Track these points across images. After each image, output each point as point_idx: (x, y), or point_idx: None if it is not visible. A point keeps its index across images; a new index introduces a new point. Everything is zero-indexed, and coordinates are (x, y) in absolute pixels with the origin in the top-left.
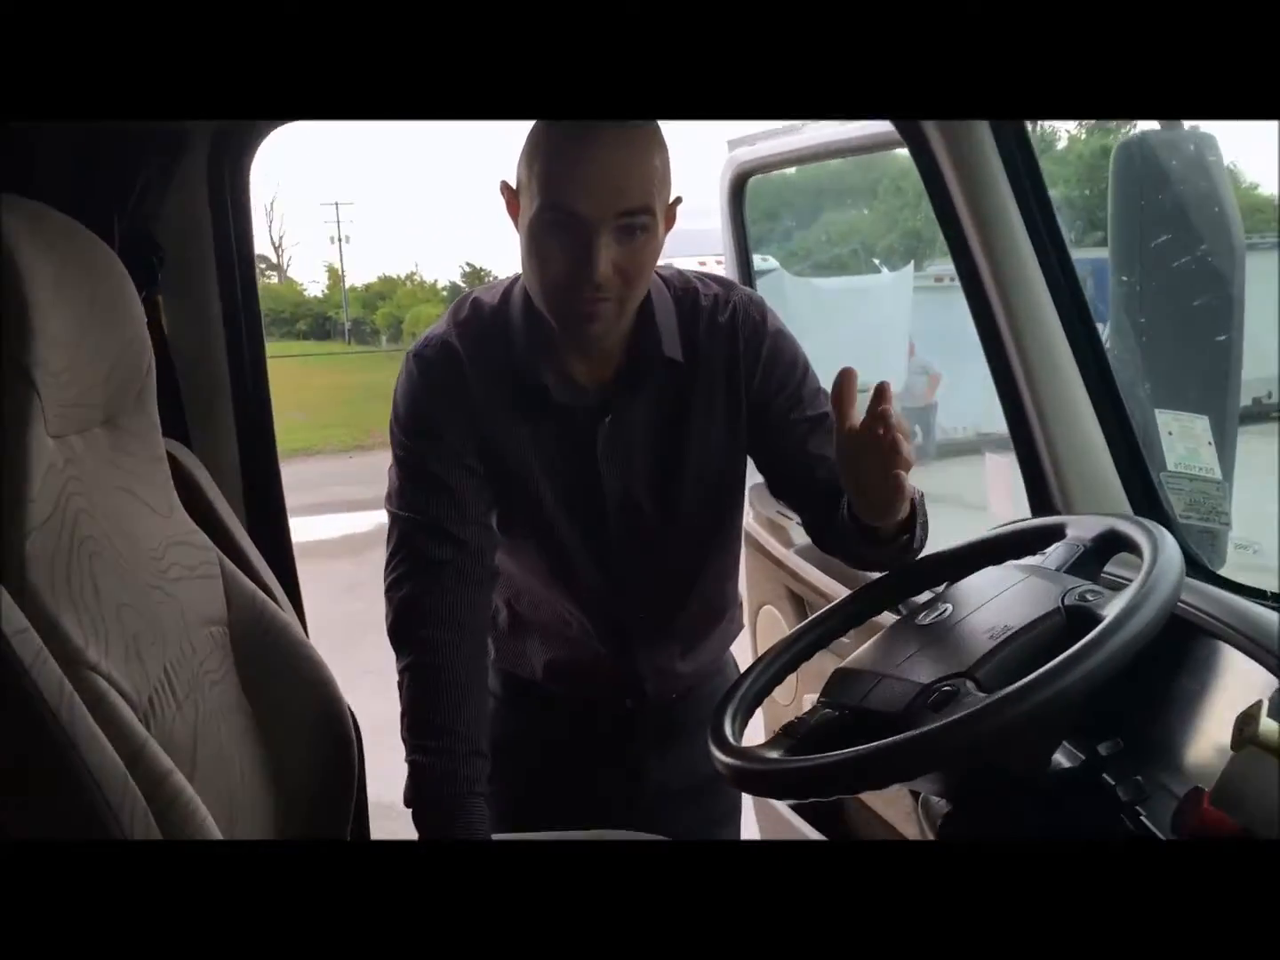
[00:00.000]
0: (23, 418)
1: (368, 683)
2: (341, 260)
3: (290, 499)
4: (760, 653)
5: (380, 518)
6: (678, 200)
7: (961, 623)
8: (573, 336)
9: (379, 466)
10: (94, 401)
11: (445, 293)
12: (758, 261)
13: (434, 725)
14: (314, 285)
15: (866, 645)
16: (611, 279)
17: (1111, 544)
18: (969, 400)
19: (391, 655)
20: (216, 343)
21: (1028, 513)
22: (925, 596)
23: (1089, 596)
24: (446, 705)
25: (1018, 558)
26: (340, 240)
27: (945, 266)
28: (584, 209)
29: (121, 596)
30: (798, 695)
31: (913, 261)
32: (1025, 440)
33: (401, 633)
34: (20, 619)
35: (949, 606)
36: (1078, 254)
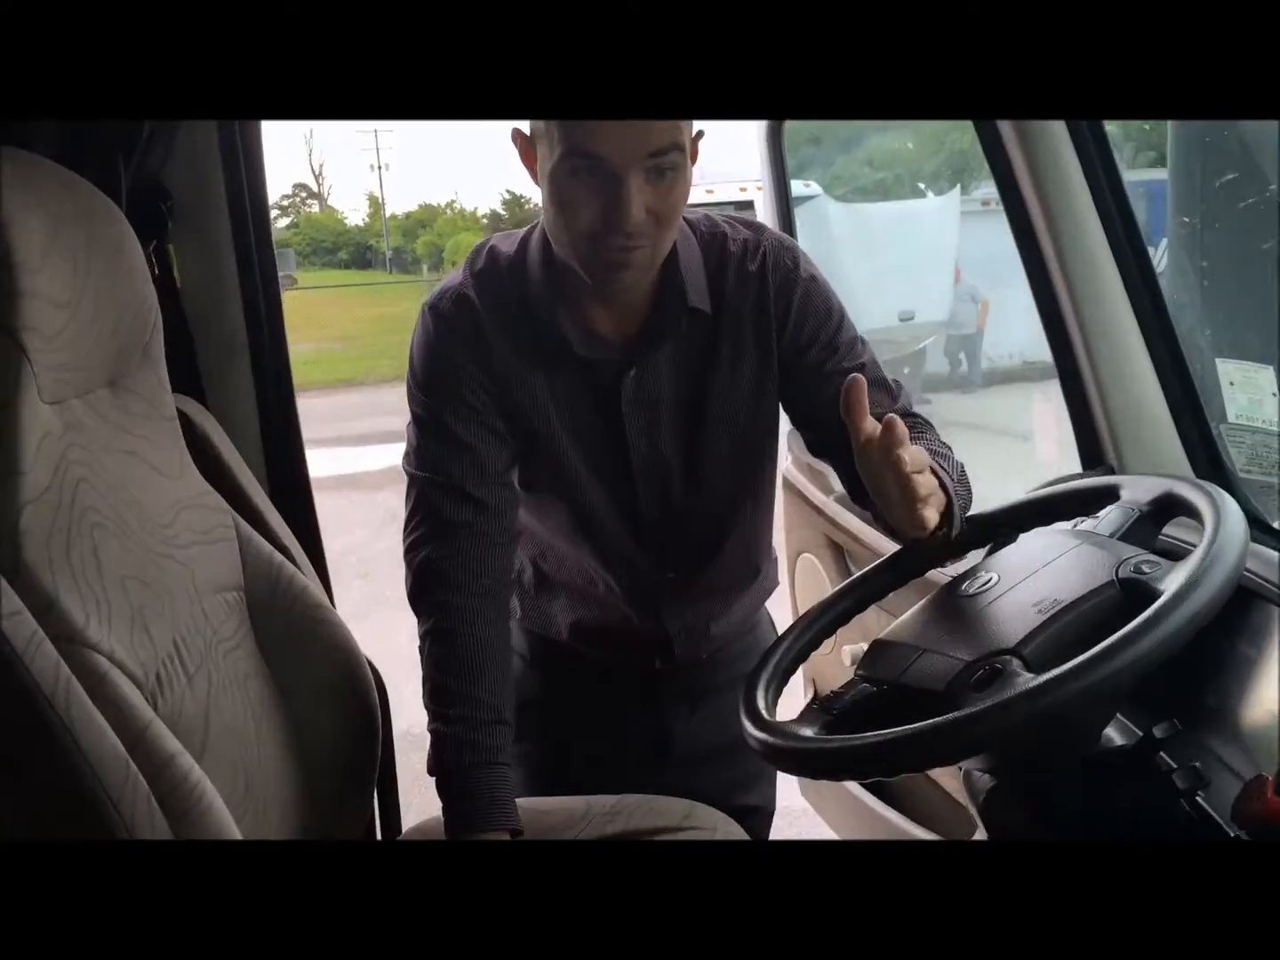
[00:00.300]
0: (12, 386)
1: (410, 617)
2: (381, 188)
3: (333, 430)
4: (798, 603)
5: None
6: (699, 134)
7: (1008, 594)
8: (604, 287)
9: None
10: (95, 363)
11: (485, 220)
12: (800, 188)
13: (454, 693)
14: (354, 214)
15: (907, 616)
16: (644, 224)
17: (1169, 508)
18: (1015, 327)
19: None
20: (231, 292)
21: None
22: (972, 559)
23: (1145, 568)
24: (467, 672)
25: (1068, 519)
26: (380, 168)
27: (993, 190)
28: (611, 152)
29: (126, 567)
30: (837, 645)
31: (959, 185)
32: (1076, 389)
33: (421, 597)
34: (13, 601)
35: (995, 576)
36: (1130, 176)
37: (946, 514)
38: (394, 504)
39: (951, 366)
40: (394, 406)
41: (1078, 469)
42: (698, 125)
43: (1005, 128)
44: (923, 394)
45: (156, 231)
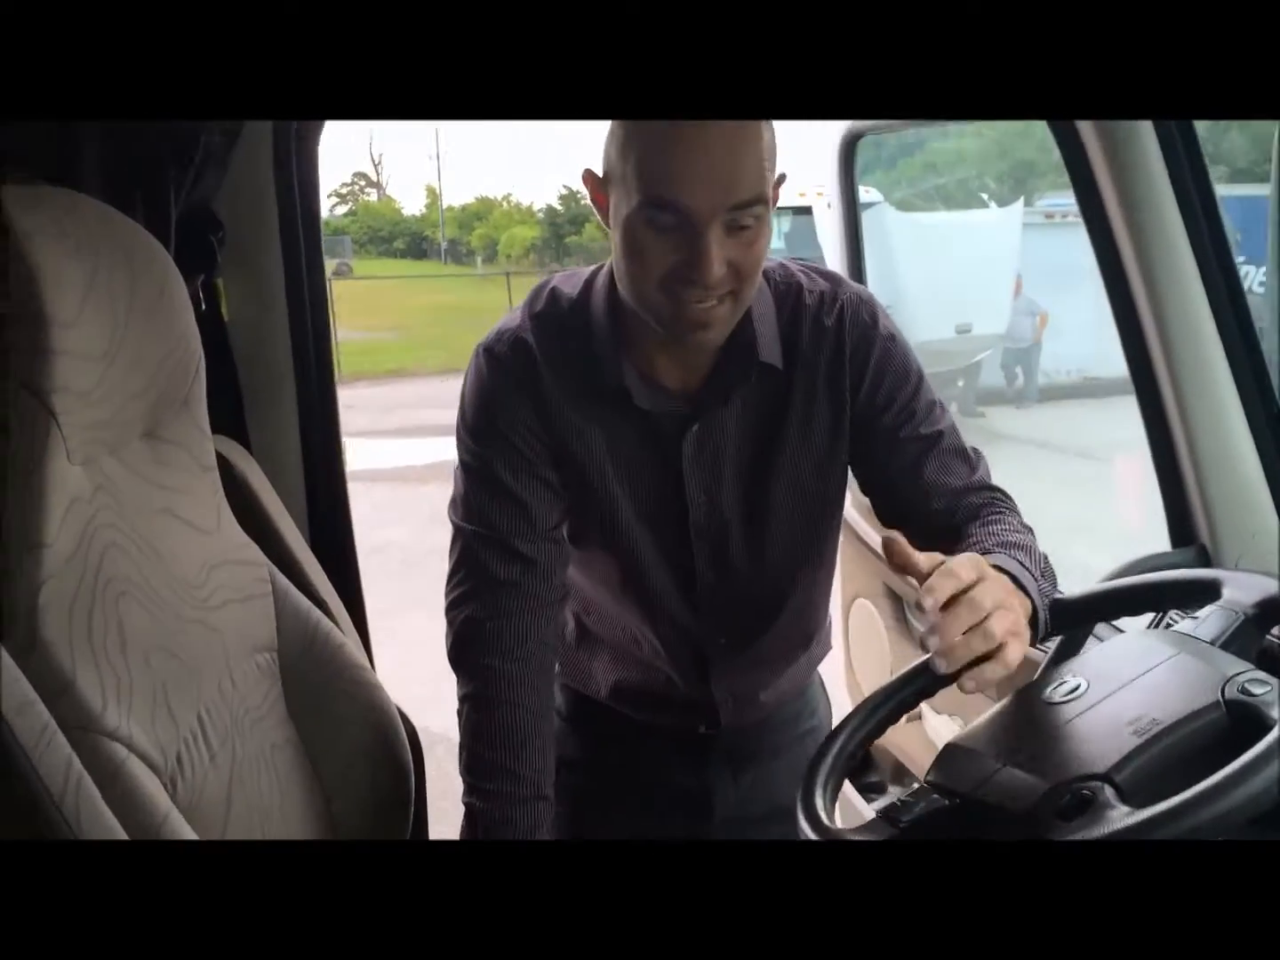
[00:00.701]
0: (39, 452)
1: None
2: (440, 179)
3: (382, 421)
4: (851, 653)
5: None
6: (781, 178)
7: (1099, 706)
8: (681, 342)
9: None
10: (131, 416)
11: (541, 215)
12: (860, 194)
13: (493, 766)
14: (412, 204)
15: (983, 720)
16: (725, 278)
17: (1276, 613)
18: (1075, 342)
19: None
20: (279, 329)
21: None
22: (1052, 642)
23: (1254, 688)
24: (506, 744)
25: (1159, 610)
26: (438, 159)
27: (1056, 202)
28: (692, 204)
29: (153, 638)
30: None
31: (1022, 198)
32: (1169, 463)
33: (462, 659)
34: (24, 691)
35: (1083, 682)
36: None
37: (1030, 620)
38: (439, 501)
39: (1008, 380)
40: (442, 400)
41: (1140, 495)
42: (779, 168)
43: (1094, 155)
44: (977, 408)
45: (206, 265)
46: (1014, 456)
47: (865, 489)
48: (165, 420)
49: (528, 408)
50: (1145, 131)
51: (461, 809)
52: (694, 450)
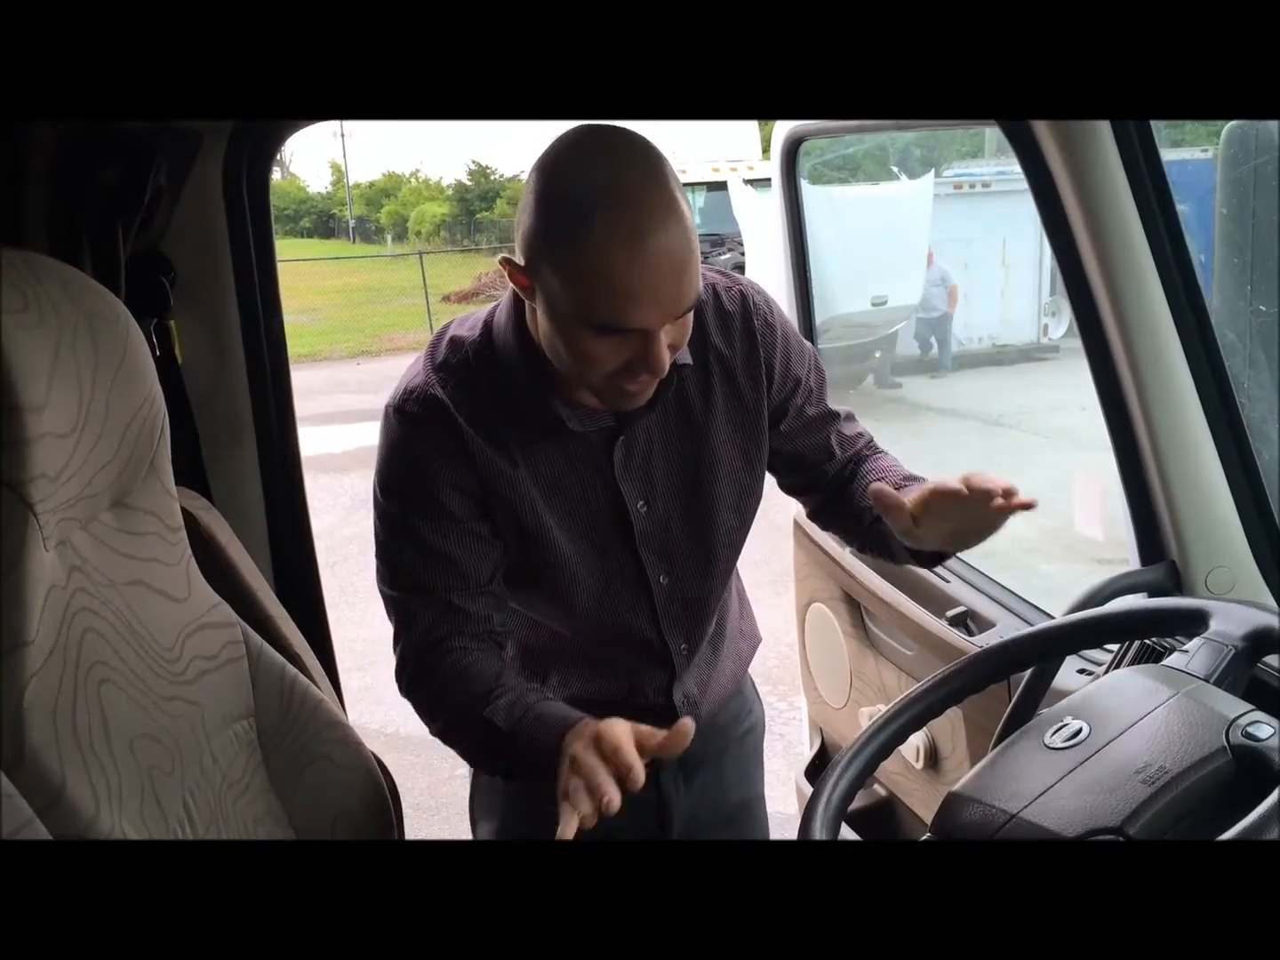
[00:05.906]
0: (17, 547)
1: (379, 607)
2: (345, 156)
3: (298, 409)
4: (808, 654)
5: None
6: None
7: (1104, 753)
8: (615, 407)
9: (386, 373)
10: (99, 487)
11: (450, 190)
12: (769, 170)
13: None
14: (317, 181)
15: (984, 767)
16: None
17: (1264, 645)
18: (984, 311)
19: None
20: (236, 369)
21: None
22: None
23: (1258, 733)
24: (487, 677)
25: (1144, 638)
26: (343, 135)
27: (964, 173)
28: (643, 322)
29: (135, 726)
30: (850, 701)
31: (933, 169)
32: (1138, 483)
33: (434, 714)
34: (20, 809)
35: (1084, 726)
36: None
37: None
38: (360, 487)
39: (922, 350)
40: (358, 384)
41: (1054, 459)
42: None
43: (1060, 175)
44: (893, 377)
45: (157, 308)
46: (934, 427)
47: (770, 466)
48: (133, 486)
49: (449, 463)
50: (1103, 133)
51: None
52: (624, 459)
